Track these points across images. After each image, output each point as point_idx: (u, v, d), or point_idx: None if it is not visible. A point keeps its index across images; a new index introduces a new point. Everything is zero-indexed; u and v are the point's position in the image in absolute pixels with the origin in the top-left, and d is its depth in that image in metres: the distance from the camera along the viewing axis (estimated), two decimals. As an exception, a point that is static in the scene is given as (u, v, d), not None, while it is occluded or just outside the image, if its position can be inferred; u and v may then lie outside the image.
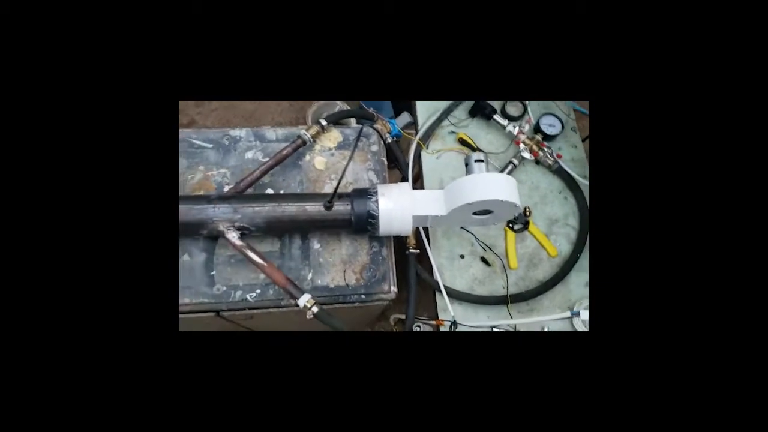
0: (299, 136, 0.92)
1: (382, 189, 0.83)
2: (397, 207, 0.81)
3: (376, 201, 0.81)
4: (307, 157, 0.95)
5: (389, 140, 1.04)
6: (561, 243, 1.04)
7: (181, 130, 0.92)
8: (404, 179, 1.07)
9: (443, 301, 0.95)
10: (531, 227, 1.04)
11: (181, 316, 0.82)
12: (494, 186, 0.76)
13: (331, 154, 0.96)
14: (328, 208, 0.81)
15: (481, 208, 0.79)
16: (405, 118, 1.14)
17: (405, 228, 0.83)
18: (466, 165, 0.91)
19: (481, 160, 0.89)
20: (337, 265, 0.87)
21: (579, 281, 1.00)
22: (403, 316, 0.90)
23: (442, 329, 0.93)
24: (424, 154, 1.10)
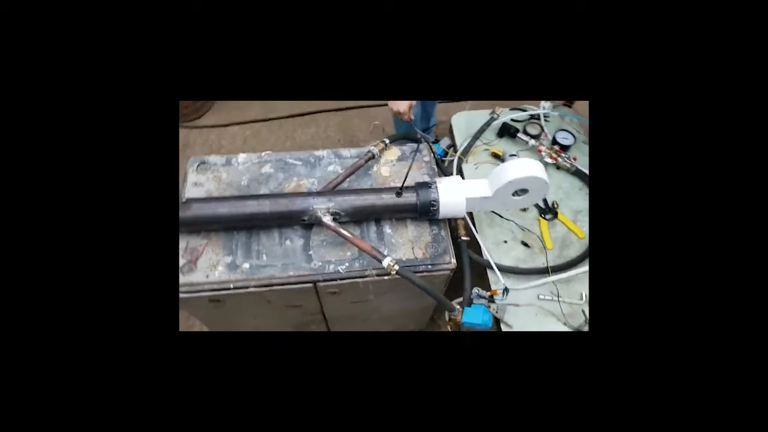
0: (369, 151, 1.20)
1: (439, 180, 1.07)
2: (453, 192, 1.05)
3: (436, 189, 1.05)
4: (375, 168, 1.22)
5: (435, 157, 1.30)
6: (586, 228, 1.24)
7: (277, 152, 1.21)
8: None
9: (494, 275, 1.13)
10: (560, 216, 1.25)
11: (285, 287, 1.03)
12: (528, 165, 0.99)
13: (393, 165, 1.23)
14: (399, 194, 1.05)
15: (519, 186, 1.01)
16: (446, 141, 1.42)
17: (459, 210, 1.06)
18: (503, 161, 1.17)
19: (515, 155, 1.14)
20: (406, 244, 1.09)
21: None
22: (456, 309, 1.06)
23: (496, 298, 1.10)
24: (464, 167, 1.36)
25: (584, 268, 1.13)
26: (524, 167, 0.99)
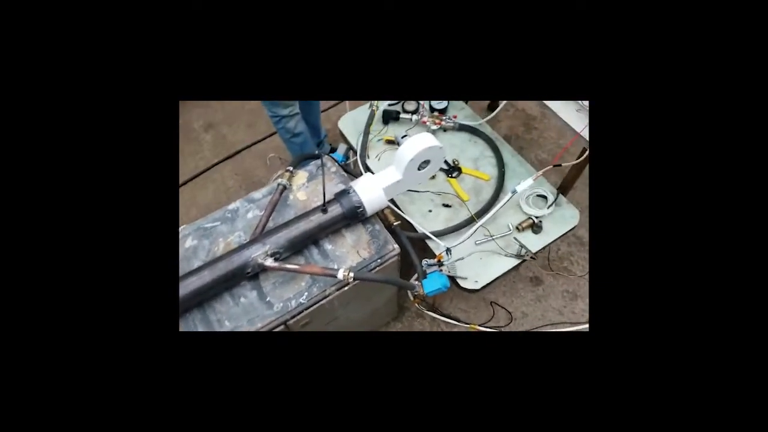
0: (279, 184, 1.23)
1: (354, 184, 1.15)
2: (370, 189, 1.13)
3: (355, 192, 1.13)
4: (291, 197, 1.26)
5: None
6: (488, 170, 1.41)
7: (190, 224, 1.19)
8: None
9: (434, 242, 1.25)
10: (464, 170, 1.40)
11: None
12: (420, 139, 1.11)
13: (306, 187, 1.28)
14: (324, 211, 1.11)
15: (421, 160, 1.13)
16: (342, 147, 1.50)
17: (382, 202, 1.15)
18: (399, 145, 1.28)
19: (405, 135, 1.26)
20: (350, 251, 1.16)
21: (512, 184, 1.36)
22: (416, 285, 1.16)
23: (443, 260, 1.22)
24: (369, 162, 1.45)
25: (501, 203, 1.29)
26: (417, 142, 1.11)
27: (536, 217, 1.27)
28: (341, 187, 1.27)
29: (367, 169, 1.45)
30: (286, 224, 1.12)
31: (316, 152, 1.47)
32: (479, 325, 1.57)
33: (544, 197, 1.32)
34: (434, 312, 1.42)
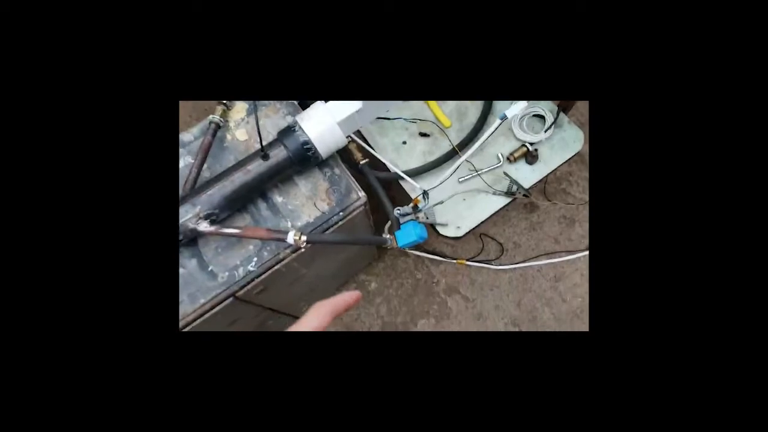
0: (210, 122, 0.97)
1: (299, 117, 0.89)
2: (321, 125, 0.88)
3: (301, 129, 0.88)
4: (229, 136, 1.01)
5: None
6: (474, 85, 1.13)
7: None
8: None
9: (408, 183, 1.04)
10: (444, 87, 1.13)
11: (205, 316, 0.89)
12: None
13: (247, 122, 1.02)
14: (265, 157, 0.88)
15: (385, 82, 0.86)
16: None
17: (339, 139, 0.91)
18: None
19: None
20: (305, 203, 0.95)
21: (504, 105, 1.10)
22: (389, 239, 0.97)
23: (420, 206, 1.02)
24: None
25: (490, 130, 1.05)
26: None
27: (531, 144, 1.04)
28: (288, 121, 1.02)
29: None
30: (219, 177, 0.89)
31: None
32: (467, 260, 1.43)
33: (542, 117, 1.07)
34: (417, 249, 1.26)
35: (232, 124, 1.02)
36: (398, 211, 0.96)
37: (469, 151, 1.03)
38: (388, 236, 0.96)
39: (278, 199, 0.95)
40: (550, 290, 1.49)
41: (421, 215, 1.00)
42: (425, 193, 1.00)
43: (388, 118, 1.11)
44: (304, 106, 1.12)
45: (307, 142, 0.88)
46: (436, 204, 1.00)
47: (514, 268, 1.56)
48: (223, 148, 0.99)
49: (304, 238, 0.83)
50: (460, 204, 1.04)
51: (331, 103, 0.91)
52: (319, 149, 0.89)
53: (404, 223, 0.97)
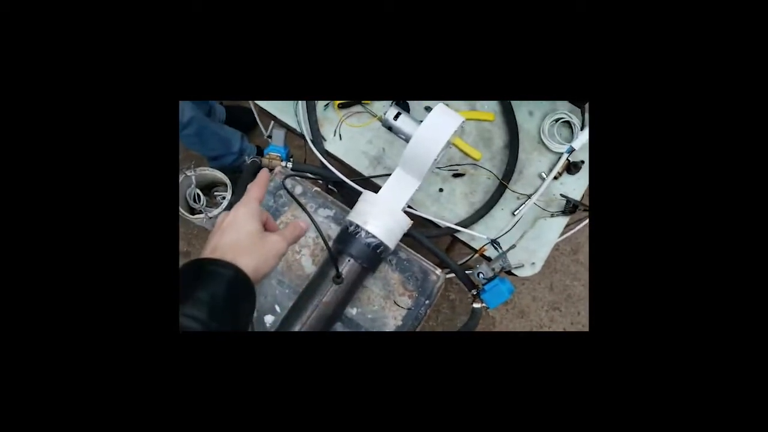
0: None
1: (354, 217, 0.75)
2: (384, 214, 0.74)
3: (362, 230, 0.73)
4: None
5: (289, 166, 0.92)
6: (486, 105, 1.05)
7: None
8: (337, 184, 0.98)
9: (465, 234, 0.95)
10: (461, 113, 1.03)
11: None
12: (443, 122, 0.71)
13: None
14: (339, 281, 0.72)
15: (445, 149, 0.75)
16: (278, 134, 0.99)
17: (406, 224, 0.78)
18: (389, 128, 0.84)
19: (399, 112, 0.82)
20: (384, 304, 0.82)
21: (522, 112, 1.04)
22: (480, 307, 0.87)
23: (487, 254, 0.94)
24: (328, 146, 0.99)
25: (540, 161, 0.98)
26: (439, 128, 0.71)
27: (568, 153, 1.00)
28: (326, 213, 0.85)
29: (328, 155, 1.00)
30: (290, 317, 0.72)
31: (247, 160, 0.96)
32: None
33: (567, 123, 1.03)
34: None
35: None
36: (481, 276, 0.88)
37: (537, 194, 0.96)
38: (478, 306, 0.87)
39: (352, 312, 0.81)
40: (573, 264, 1.54)
41: (496, 265, 0.92)
42: (495, 243, 0.92)
43: (417, 169, 0.99)
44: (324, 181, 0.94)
45: (379, 244, 0.74)
46: (509, 249, 0.93)
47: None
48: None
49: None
50: (530, 238, 0.98)
51: (383, 190, 0.77)
52: (389, 244, 0.76)
53: (487, 286, 0.89)
